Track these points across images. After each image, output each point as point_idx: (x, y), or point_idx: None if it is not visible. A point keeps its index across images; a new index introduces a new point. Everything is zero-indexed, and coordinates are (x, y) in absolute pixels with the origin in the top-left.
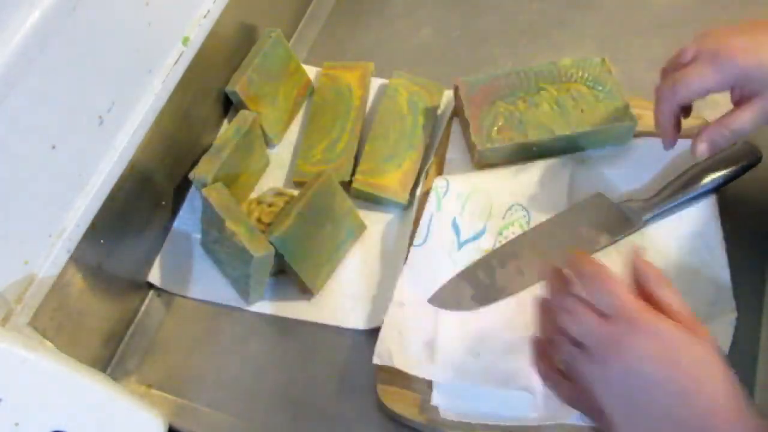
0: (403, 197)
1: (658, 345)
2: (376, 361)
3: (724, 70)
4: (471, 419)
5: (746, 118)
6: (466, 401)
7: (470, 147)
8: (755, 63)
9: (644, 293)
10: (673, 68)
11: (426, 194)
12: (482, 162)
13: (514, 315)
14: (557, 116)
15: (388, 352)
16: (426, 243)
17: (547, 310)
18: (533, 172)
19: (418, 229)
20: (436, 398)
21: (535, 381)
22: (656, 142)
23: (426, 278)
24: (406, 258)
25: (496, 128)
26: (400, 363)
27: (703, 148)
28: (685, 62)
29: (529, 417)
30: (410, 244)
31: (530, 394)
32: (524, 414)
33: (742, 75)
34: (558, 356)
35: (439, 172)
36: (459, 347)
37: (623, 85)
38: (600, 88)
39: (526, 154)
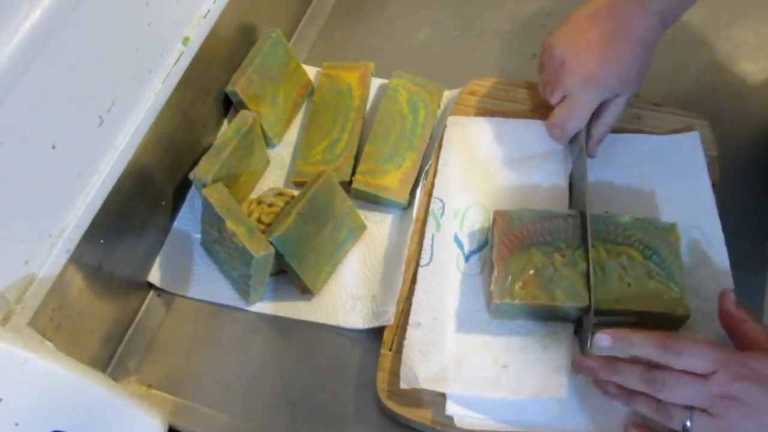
0: (403, 197)
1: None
2: (403, 386)
3: (593, 99)
4: (486, 427)
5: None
6: (481, 409)
7: (486, 292)
8: (616, 81)
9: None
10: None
11: (426, 195)
12: (496, 313)
13: (535, 324)
14: (597, 284)
15: (413, 374)
16: (432, 262)
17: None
18: (528, 177)
19: (423, 250)
20: (451, 408)
21: (565, 385)
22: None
23: (438, 294)
24: (414, 276)
25: (521, 282)
26: (426, 383)
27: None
28: (555, 102)
29: (541, 423)
30: (417, 258)
31: (559, 400)
32: (536, 419)
33: (609, 94)
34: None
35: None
36: (485, 361)
37: None
38: (657, 260)
39: (548, 315)
